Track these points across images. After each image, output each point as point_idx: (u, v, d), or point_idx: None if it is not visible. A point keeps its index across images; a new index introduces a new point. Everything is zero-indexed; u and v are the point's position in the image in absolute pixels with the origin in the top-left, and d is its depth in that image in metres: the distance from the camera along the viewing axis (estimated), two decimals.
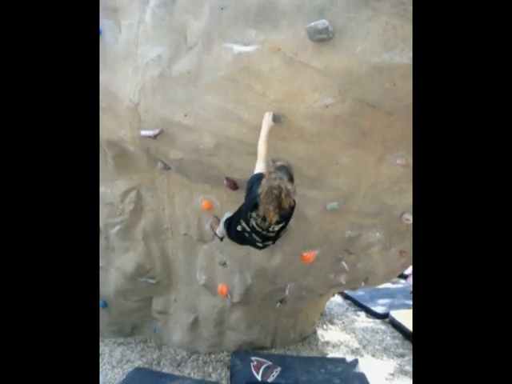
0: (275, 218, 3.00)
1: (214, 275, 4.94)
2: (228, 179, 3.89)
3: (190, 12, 3.26)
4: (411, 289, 4.92)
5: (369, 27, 2.90)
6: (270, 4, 3.02)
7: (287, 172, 2.99)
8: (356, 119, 3.24)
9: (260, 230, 3.18)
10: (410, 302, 7.76)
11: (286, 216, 3.12)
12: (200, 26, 3.23)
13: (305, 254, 4.40)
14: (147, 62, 3.43)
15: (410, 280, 8.63)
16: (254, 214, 3.12)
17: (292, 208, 3.08)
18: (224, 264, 4.79)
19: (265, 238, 3.29)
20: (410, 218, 4.02)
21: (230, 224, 3.53)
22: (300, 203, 3.87)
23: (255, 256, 4.54)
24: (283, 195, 2.86)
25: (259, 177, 3.02)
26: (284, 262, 4.51)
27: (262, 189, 2.90)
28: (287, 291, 4.95)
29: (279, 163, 3.04)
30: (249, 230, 3.25)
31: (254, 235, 3.25)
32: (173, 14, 3.33)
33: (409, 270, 8.20)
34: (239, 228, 3.31)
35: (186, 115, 3.47)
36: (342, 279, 4.82)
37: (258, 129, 3.20)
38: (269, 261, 4.54)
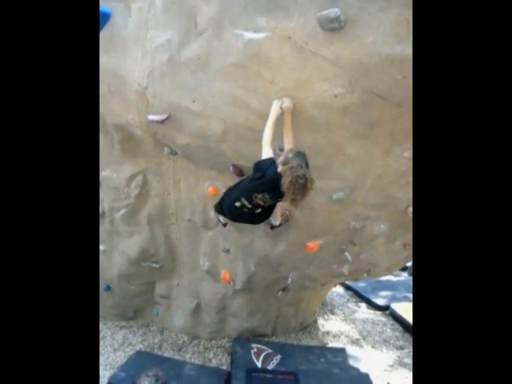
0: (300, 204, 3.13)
1: (218, 262, 4.96)
2: (234, 166, 3.88)
3: None
4: None
5: (381, 18, 2.88)
6: None
7: (304, 159, 3.03)
8: (365, 110, 3.23)
9: (264, 204, 3.29)
10: (411, 295, 7.78)
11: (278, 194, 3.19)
12: (210, 11, 3.21)
13: (309, 244, 4.40)
14: (156, 46, 3.42)
15: None
16: (259, 196, 3.20)
17: None
18: (228, 251, 4.80)
19: (264, 213, 3.46)
20: None
21: (222, 200, 3.67)
22: None
23: (259, 244, 4.55)
24: (309, 184, 2.94)
25: (271, 161, 3.07)
26: (288, 251, 4.52)
27: (285, 178, 2.95)
28: (290, 280, 4.97)
29: (296, 150, 3.08)
30: (250, 206, 3.33)
31: (254, 209, 3.36)
32: None
33: (410, 263, 8.22)
34: (238, 204, 3.38)
35: (194, 101, 3.46)
36: (345, 270, 4.83)
37: (267, 116, 3.20)
38: (272, 249, 4.54)
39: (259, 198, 3.22)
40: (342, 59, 3.01)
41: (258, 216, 3.51)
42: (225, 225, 4.35)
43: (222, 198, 3.70)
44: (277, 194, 3.08)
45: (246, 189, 3.32)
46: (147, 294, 5.77)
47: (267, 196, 3.20)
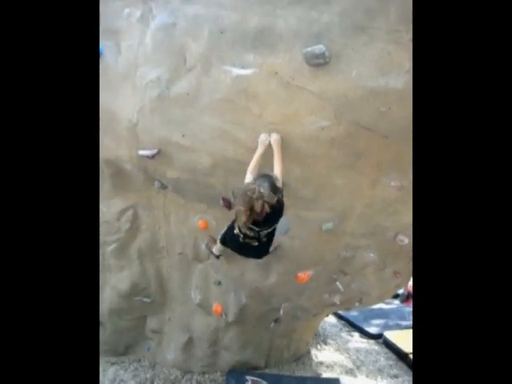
0: (247, 221, 3.06)
1: (209, 294, 4.94)
2: (224, 199, 3.92)
3: (190, 35, 3.33)
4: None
5: (364, 52, 2.97)
6: (267, 29, 3.10)
7: (270, 180, 3.05)
8: (351, 141, 3.30)
9: (252, 234, 3.25)
10: (404, 323, 7.77)
11: (271, 220, 3.18)
12: (199, 48, 3.30)
13: (300, 274, 4.42)
14: (146, 83, 3.48)
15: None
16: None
17: (275, 211, 3.11)
18: (219, 283, 4.79)
19: (259, 238, 3.33)
20: (404, 239, 4.06)
21: (226, 232, 3.67)
22: (295, 223, 3.92)
23: (250, 275, 4.56)
24: (255, 197, 2.91)
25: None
26: (279, 282, 4.53)
27: (239, 192, 3.01)
28: (282, 311, 4.96)
29: (264, 173, 3.13)
30: (242, 235, 3.31)
31: (246, 240, 3.33)
32: (173, 36, 3.39)
33: (401, 290, 8.23)
34: (236, 231, 3.36)
35: (183, 135, 3.52)
36: (337, 299, 4.84)
37: (255, 149, 3.26)
38: (264, 280, 4.55)
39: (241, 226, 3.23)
40: (328, 93, 3.09)
41: (256, 249, 3.46)
42: (218, 257, 4.35)
43: (227, 229, 3.71)
44: None
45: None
46: (138, 329, 5.70)
47: None
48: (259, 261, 4.28)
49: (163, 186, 4.28)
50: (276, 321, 5.22)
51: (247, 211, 2.98)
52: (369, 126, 3.23)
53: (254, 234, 3.26)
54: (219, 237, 3.99)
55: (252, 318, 5.09)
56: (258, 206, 2.95)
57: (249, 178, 3.17)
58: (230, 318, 4.94)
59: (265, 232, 3.28)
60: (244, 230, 3.22)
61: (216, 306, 4.92)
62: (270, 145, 3.24)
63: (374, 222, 3.96)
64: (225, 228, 3.81)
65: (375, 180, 3.63)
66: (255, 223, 3.14)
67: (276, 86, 3.13)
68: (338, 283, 4.64)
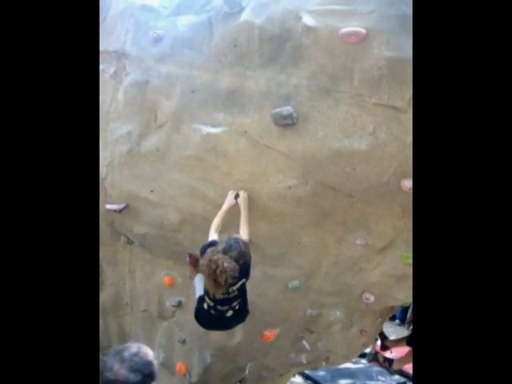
0: (217, 292, 2.95)
1: (173, 353, 4.80)
2: (191, 255, 3.89)
3: (162, 93, 3.41)
4: None
5: (330, 115, 3.08)
6: (238, 89, 3.20)
7: (236, 246, 2.95)
8: (318, 200, 3.36)
9: (222, 296, 3.06)
10: (372, 383, 7.66)
11: (241, 275, 3.01)
12: (171, 106, 3.37)
13: (266, 333, 4.36)
14: (117, 138, 3.52)
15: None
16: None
17: (241, 270, 3.00)
18: (183, 342, 4.68)
19: (230, 301, 3.13)
20: (370, 297, 4.08)
21: (197, 309, 3.38)
22: (262, 281, 3.91)
23: (215, 334, 4.47)
24: (218, 271, 2.79)
25: (211, 243, 3.06)
26: (244, 341, 4.45)
27: (204, 260, 2.89)
28: (247, 371, 4.84)
29: (231, 236, 3.05)
30: (212, 304, 3.12)
31: (219, 307, 3.12)
32: (145, 93, 3.47)
33: (369, 349, 8.16)
34: (205, 306, 3.19)
35: (152, 191, 3.54)
36: (303, 359, 4.76)
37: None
38: (229, 339, 4.46)
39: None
40: (295, 153, 3.17)
41: (235, 317, 3.23)
42: None
43: (196, 304, 3.40)
44: None
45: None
46: None
47: None
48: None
49: (130, 241, 4.23)
50: (241, 381, 5.08)
51: (213, 283, 2.87)
52: (334, 186, 3.30)
53: (224, 295, 3.07)
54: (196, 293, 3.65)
55: (216, 378, 4.94)
56: (222, 279, 2.83)
57: (213, 235, 3.14)
58: (194, 379, 4.79)
59: (234, 288, 3.10)
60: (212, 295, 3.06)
61: (180, 366, 4.77)
62: (236, 203, 3.27)
63: (341, 279, 3.97)
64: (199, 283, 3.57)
65: (341, 238, 3.68)
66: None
67: (245, 145, 3.21)
68: (304, 342, 4.59)
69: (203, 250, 3.09)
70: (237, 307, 3.18)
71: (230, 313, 3.17)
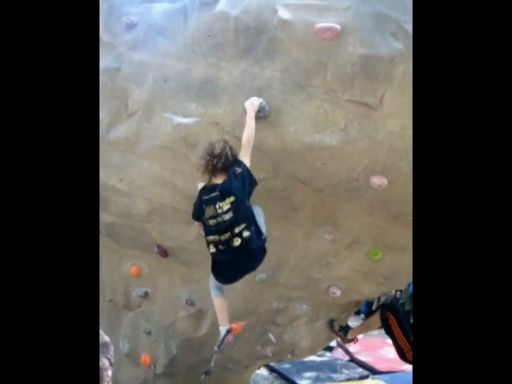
0: (206, 172, 3.02)
1: (138, 344, 4.76)
2: (159, 246, 3.87)
3: (134, 81, 3.36)
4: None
5: (302, 109, 3.10)
6: (211, 80, 3.18)
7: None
8: (287, 194, 3.37)
9: (215, 221, 2.94)
10: (335, 375, 7.76)
11: (227, 188, 2.93)
12: (142, 94, 3.33)
13: (232, 325, 4.35)
14: None
15: (337, 352, 8.67)
16: (205, 213, 2.99)
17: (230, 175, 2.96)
18: (149, 333, 4.64)
19: (227, 226, 2.92)
20: (337, 292, 4.12)
21: (212, 265, 3.20)
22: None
23: (181, 325, 4.46)
24: (217, 149, 2.97)
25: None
26: (211, 333, 4.44)
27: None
28: (213, 362, 4.84)
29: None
30: (217, 240, 2.97)
31: (219, 237, 2.96)
32: (116, 81, 3.42)
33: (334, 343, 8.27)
34: (211, 248, 3.03)
35: (121, 180, 3.49)
36: (269, 351, 4.78)
37: (192, 198, 3.26)
38: (195, 330, 4.45)
39: (206, 219, 2.99)
40: (266, 146, 3.17)
41: (245, 251, 2.98)
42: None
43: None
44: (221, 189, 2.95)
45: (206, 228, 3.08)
46: None
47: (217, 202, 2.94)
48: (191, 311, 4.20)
49: None
50: (206, 373, 5.06)
51: (207, 164, 2.97)
52: (304, 180, 3.32)
53: (212, 211, 2.93)
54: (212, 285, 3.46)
55: (182, 370, 4.93)
56: (218, 147, 2.95)
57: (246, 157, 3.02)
58: (159, 370, 4.76)
59: (228, 201, 2.92)
60: (206, 216, 2.96)
61: (145, 357, 4.74)
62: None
63: (308, 273, 4.00)
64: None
65: (309, 232, 3.71)
66: (208, 192, 2.99)
67: (216, 136, 3.18)
68: (270, 334, 4.61)
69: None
70: (243, 234, 2.93)
71: (237, 241, 2.93)
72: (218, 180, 3.02)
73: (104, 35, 3.50)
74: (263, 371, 8.09)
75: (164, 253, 3.88)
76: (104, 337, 2.20)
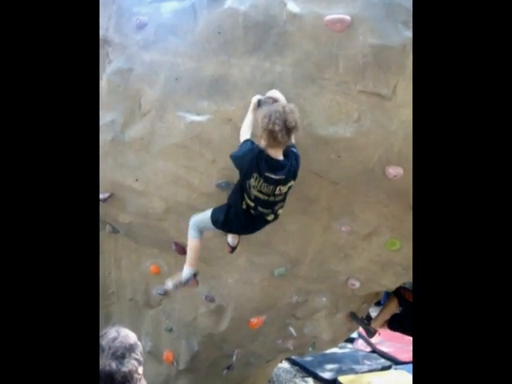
0: (285, 140, 2.82)
1: (160, 341, 4.82)
2: (177, 244, 3.89)
3: (146, 81, 3.37)
4: None
5: (315, 102, 3.08)
6: (222, 77, 3.18)
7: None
8: (303, 187, 3.37)
9: (266, 197, 2.95)
10: (358, 367, 7.75)
11: (292, 171, 2.94)
12: (154, 94, 3.34)
13: (252, 320, 4.38)
14: (100, 126, 3.47)
15: (358, 344, 8.67)
16: (252, 181, 2.91)
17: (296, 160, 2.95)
18: (170, 330, 4.69)
19: (274, 204, 3.04)
20: (356, 283, 4.11)
21: (225, 210, 3.19)
22: (248, 269, 3.92)
23: (202, 321, 4.49)
24: (288, 110, 2.78)
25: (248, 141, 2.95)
26: (231, 328, 4.47)
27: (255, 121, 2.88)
28: (234, 357, 4.88)
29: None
30: (253, 204, 2.99)
31: (260, 208, 3.02)
32: (128, 81, 3.43)
33: (355, 334, 8.25)
34: (244, 206, 3.05)
35: (137, 180, 3.51)
36: (290, 345, 4.81)
37: (208, 195, 3.29)
38: (216, 326, 4.49)
39: (254, 186, 2.91)
40: None
41: (267, 213, 3.10)
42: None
43: (226, 206, 3.22)
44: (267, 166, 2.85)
45: (241, 185, 3.06)
46: None
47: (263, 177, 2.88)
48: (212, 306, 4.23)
49: (115, 231, 4.21)
50: (228, 368, 5.11)
51: (283, 129, 2.74)
52: (320, 173, 3.32)
53: (270, 190, 2.91)
54: (196, 219, 3.36)
55: (204, 366, 4.98)
56: (292, 120, 2.75)
57: (246, 135, 2.99)
58: (182, 366, 4.81)
59: (288, 185, 2.97)
60: (258, 189, 2.90)
61: (167, 354, 4.79)
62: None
63: (326, 266, 4.00)
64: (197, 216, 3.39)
65: (326, 225, 3.70)
66: (272, 168, 2.87)
67: (230, 133, 3.20)
68: (290, 328, 4.63)
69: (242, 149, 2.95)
70: (278, 212, 3.14)
71: (271, 217, 3.14)
72: (276, 153, 2.90)
73: (115, 36, 3.52)
74: (285, 364, 8.12)
75: (182, 250, 3.90)
76: (129, 338, 2.17)
